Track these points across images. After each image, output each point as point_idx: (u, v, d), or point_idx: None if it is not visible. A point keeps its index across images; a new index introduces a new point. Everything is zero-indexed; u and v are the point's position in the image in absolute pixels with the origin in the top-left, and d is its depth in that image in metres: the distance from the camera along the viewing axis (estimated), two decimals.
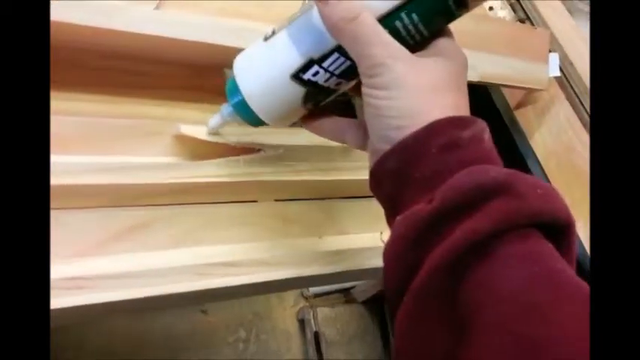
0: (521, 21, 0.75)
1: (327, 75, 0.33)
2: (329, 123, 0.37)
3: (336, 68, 0.33)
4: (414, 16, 0.30)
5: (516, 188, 0.26)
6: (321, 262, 0.46)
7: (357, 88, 0.33)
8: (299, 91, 0.34)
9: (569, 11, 0.76)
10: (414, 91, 0.29)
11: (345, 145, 0.47)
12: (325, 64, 0.33)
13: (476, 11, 0.68)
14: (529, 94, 0.73)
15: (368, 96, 0.30)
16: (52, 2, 0.33)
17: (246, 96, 0.35)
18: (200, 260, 0.41)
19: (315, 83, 0.34)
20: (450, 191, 0.27)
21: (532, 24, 0.75)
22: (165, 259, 0.41)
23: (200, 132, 0.43)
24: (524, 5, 0.76)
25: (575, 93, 0.72)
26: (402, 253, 0.28)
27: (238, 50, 0.45)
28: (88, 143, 0.41)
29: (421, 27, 0.31)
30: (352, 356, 1.30)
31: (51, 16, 0.34)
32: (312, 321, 1.28)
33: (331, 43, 0.32)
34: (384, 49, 0.29)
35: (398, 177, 0.30)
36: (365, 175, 0.51)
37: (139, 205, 0.42)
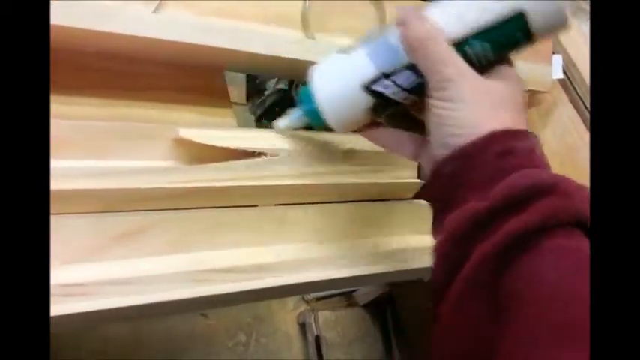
0: None
1: (396, 88, 0.37)
2: (387, 134, 0.41)
3: (406, 83, 0.36)
4: (485, 44, 0.34)
5: (564, 189, 0.29)
6: (322, 268, 0.45)
7: (417, 104, 0.38)
8: (367, 101, 0.38)
9: (572, 11, 0.76)
10: (477, 106, 0.33)
11: (346, 148, 0.47)
12: (395, 78, 0.36)
13: None
14: (532, 96, 0.73)
15: (434, 107, 0.34)
16: None
17: (319, 104, 0.39)
18: (198, 266, 0.41)
19: (383, 94, 0.37)
20: (504, 190, 0.29)
21: None
22: (162, 265, 0.40)
23: (199, 135, 0.42)
24: None
25: (579, 95, 0.71)
26: (452, 247, 0.30)
27: (235, 52, 0.45)
28: (83, 147, 0.40)
29: (489, 54, 0.35)
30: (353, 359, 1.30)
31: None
32: (313, 324, 1.28)
33: (404, 60, 0.36)
34: (453, 68, 0.33)
35: (454, 180, 0.33)
36: (367, 179, 0.50)
37: (136, 210, 0.41)
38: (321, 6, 0.50)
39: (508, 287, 0.28)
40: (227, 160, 0.43)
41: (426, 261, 0.51)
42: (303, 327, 1.31)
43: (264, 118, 1.61)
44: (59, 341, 1.05)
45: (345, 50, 0.39)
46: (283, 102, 1.56)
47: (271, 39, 0.46)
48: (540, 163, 0.33)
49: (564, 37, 0.72)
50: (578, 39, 0.72)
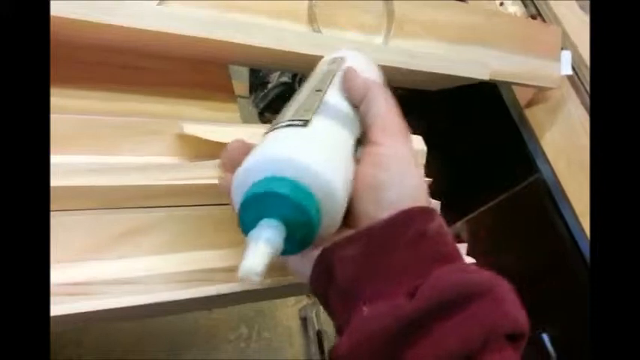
0: (533, 17, 0.74)
1: None
2: None
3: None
4: None
5: (497, 292, 0.27)
6: None
7: None
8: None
9: (582, 7, 0.74)
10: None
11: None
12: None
13: (487, 6, 0.66)
14: (540, 93, 0.72)
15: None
16: None
17: (323, 188, 0.28)
18: (200, 265, 0.40)
19: None
20: (435, 290, 0.27)
21: (544, 20, 0.73)
22: (163, 264, 0.39)
23: (203, 131, 0.42)
24: (535, 1, 0.74)
25: (587, 92, 0.70)
26: (381, 346, 0.27)
27: (241, 46, 0.44)
28: (84, 142, 0.39)
29: None
30: None
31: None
32: (315, 319, 1.27)
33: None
34: None
35: (361, 263, 0.29)
36: None
37: (137, 208, 0.40)
38: (329, 1, 0.49)
39: None
40: None
41: None
42: (304, 321, 1.31)
43: (268, 112, 1.60)
44: (60, 338, 1.05)
45: (289, 125, 0.31)
46: (287, 95, 1.55)
47: (277, 32, 0.45)
48: (454, 246, 0.30)
49: (573, 33, 0.71)
50: (587, 35, 0.71)
